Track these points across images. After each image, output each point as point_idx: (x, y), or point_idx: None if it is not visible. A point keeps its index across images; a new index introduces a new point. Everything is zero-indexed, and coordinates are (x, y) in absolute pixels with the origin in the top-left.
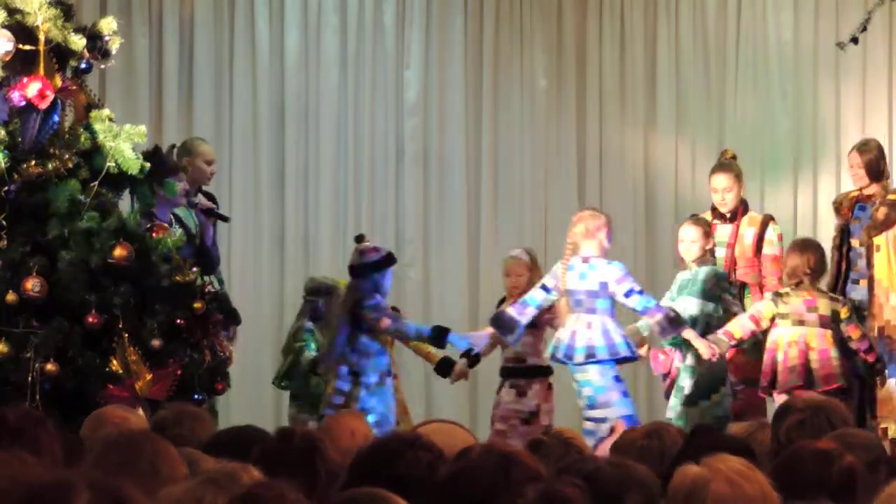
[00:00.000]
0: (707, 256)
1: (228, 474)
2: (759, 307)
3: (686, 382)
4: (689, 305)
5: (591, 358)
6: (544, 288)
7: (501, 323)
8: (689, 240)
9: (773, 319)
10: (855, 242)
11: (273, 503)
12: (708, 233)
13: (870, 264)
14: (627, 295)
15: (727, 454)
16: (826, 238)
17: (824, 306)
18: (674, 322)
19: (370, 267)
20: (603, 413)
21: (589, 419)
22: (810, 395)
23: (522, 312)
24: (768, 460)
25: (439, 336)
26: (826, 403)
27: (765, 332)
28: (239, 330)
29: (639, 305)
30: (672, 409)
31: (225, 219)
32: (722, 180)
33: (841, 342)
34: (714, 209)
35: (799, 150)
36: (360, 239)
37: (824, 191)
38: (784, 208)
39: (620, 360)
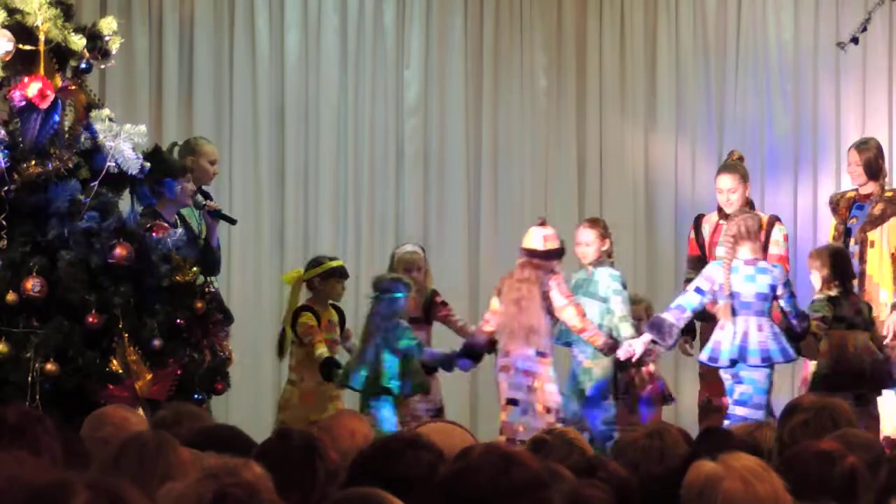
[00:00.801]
0: (603, 258)
1: (230, 470)
2: (819, 312)
3: (587, 385)
4: (587, 306)
5: (766, 361)
6: (699, 291)
7: (661, 329)
8: (584, 243)
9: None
10: (851, 241)
11: (244, 501)
12: (604, 234)
13: (863, 259)
14: (788, 299)
15: (742, 453)
16: (827, 238)
17: (866, 309)
18: (806, 331)
19: (556, 253)
20: (749, 413)
21: (733, 416)
22: (816, 396)
23: (680, 318)
24: (769, 460)
25: (612, 347)
26: (831, 404)
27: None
28: (232, 329)
29: (793, 309)
30: (568, 409)
31: (232, 221)
32: (727, 181)
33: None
34: (720, 209)
35: (799, 150)
36: (543, 223)
37: (824, 191)
38: (784, 208)
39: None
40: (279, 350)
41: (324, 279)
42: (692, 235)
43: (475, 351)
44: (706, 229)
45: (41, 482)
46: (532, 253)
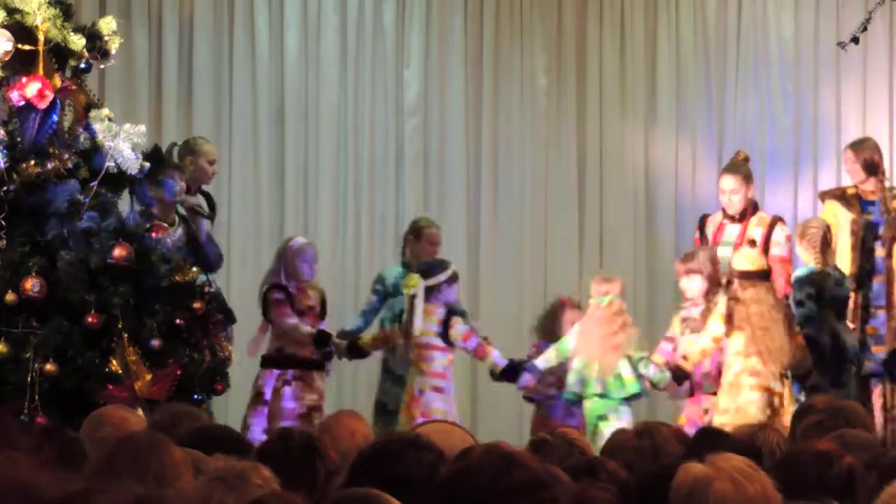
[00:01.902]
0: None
1: (238, 474)
2: None
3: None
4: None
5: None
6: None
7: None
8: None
9: None
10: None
11: None
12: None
13: (889, 255)
14: None
15: (731, 454)
16: None
17: None
18: None
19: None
20: None
21: None
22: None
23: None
24: (772, 460)
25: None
26: (845, 405)
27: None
28: (234, 329)
29: None
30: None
31: (207, 216)
32: (729, 182)
33: None
34: (724, 209)
35: (799, 150)
36: (754, 242)
37: None
38: (784, 208)
39: None
40: (408, 361)
41: (449, 283)
42: (697, 235)
43: (685, 375)
44: (710, 229)
45: (60, 493)
46: (763, 274)
